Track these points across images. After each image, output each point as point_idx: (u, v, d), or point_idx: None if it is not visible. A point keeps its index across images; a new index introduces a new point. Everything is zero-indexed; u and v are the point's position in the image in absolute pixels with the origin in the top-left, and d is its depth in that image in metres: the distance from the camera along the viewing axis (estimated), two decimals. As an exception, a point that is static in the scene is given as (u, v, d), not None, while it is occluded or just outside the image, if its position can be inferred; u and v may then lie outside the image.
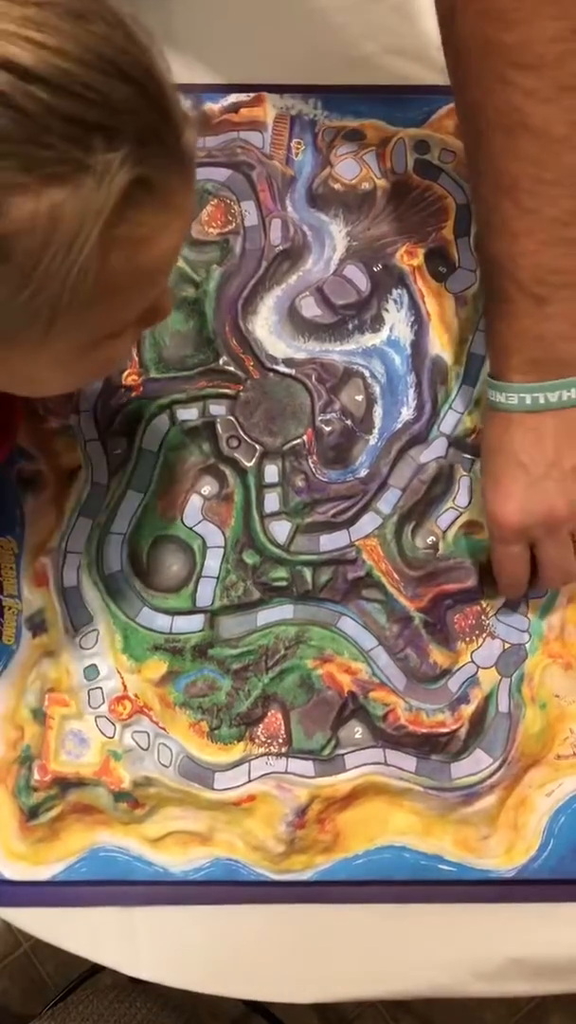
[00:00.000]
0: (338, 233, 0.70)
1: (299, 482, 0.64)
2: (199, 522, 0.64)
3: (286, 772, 0.61)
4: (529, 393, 0.57)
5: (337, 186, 0.70)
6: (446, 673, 0.63)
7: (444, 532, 0.65)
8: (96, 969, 1.00)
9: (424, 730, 0.61)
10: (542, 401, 0.57)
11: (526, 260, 0.56)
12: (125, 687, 0.61)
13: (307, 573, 0.63)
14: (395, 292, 0.68)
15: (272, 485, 0.64)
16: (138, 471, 0.64)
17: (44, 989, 1.20)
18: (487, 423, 0.61)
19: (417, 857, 0.61)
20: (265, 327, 0.68)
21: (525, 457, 0.58)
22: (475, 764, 0.61)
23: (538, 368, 0.57)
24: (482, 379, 0.66)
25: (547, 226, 0.55)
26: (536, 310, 0.56)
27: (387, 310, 0.68)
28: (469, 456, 0.66)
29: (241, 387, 0.66)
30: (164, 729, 0.61)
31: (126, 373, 0.66)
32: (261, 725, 0.62)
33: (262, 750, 0.61)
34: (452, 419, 0.66)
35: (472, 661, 0.63)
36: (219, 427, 0.65)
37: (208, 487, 0.65)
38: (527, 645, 0.64)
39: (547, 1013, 1.24)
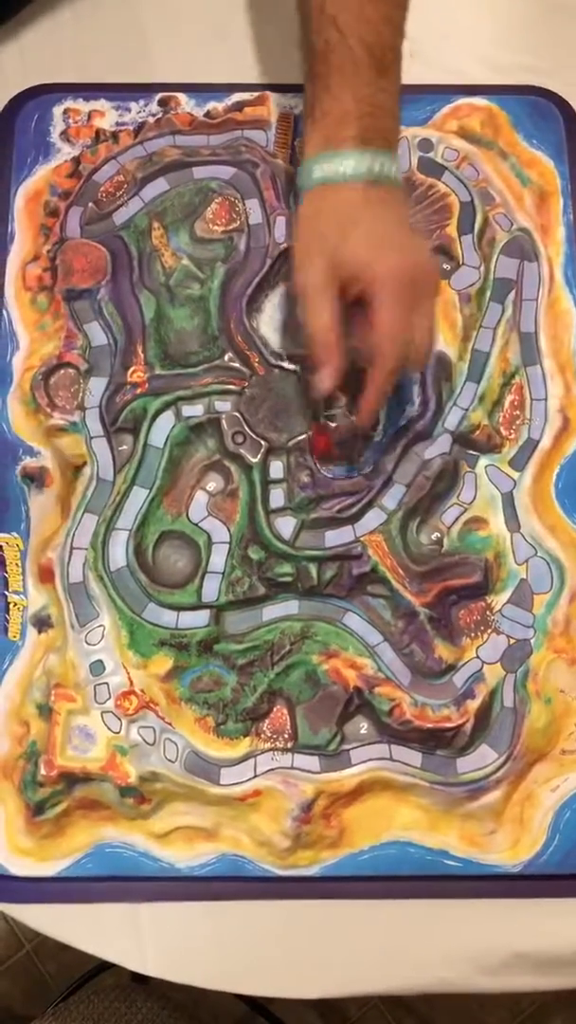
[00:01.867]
0: (342, 231, 0.70)
1: (304, 478, 0.64)
2: (204, 518, 0.65)
3: (292, 767, 0.61)
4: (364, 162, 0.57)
5: (341, 184, 0.70)
6: (451, 668, 0.63)
7: (449, 528, 0.66)
8: (98, 969, 1.00)
9: (429, 725, 0.61)
10: (377, 170, 0.57)
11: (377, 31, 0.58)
12: (131, 682, 0.61)
13: (312, 569, 0.63)
14: (399, 289, 0.69)
15: (277, 481, 0.65)
16: (143, 467, 0.64)
17: (46, 990, 1.20)
18: (315, 199, 0.58)
19: (423, 852, 0.61)
20: (270, 324, 0.68)
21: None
22: (481, 759, 0.61)
23: (366, 138, 0.57)
24: (488, 374, 0.67)
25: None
26: (377, 79, 0.58)
27: (391, 307, 0.69)
28: (473, 452, 0.67)
29: (246, 383, 0.66)
30: (170, 724, 0.61)
31: (131, 370, 0.66)
32: (267, 720, 0.62)
33: (268, 745, 0.61)
34: (456, 415, 0.66)
35: (477, 656, 0.63)
36: (224, 423, 0.65)
37: (213, 483, 0.66)
38: (532, 641, 0.64)
39: (549, 1016, 1.23)
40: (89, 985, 1.00)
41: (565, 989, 0.62)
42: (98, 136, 0.72)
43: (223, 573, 0.63)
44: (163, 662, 0.62)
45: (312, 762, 0.61)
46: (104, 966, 1.00)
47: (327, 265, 0.56)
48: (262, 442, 0.65)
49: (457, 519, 0.66)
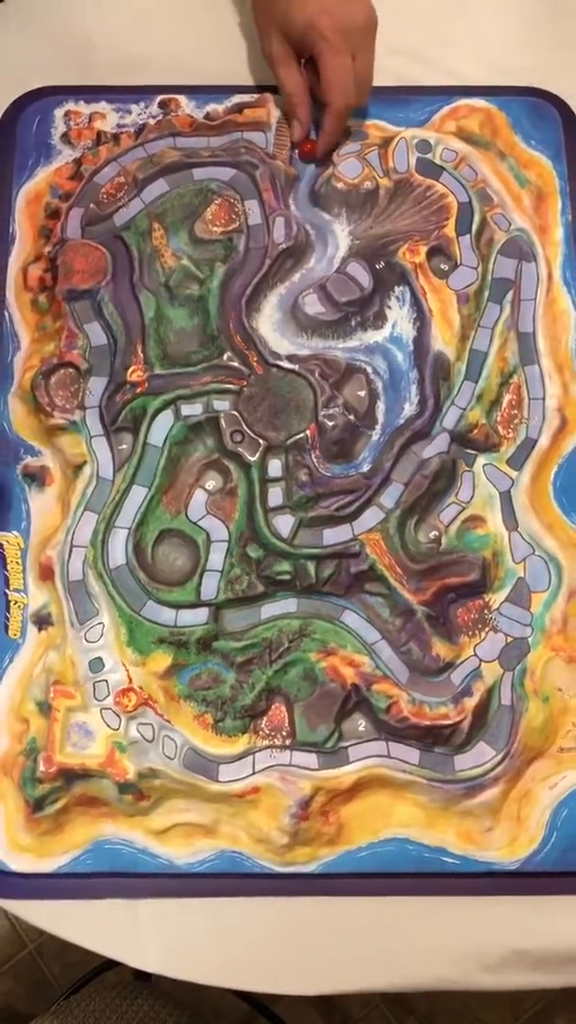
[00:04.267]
0: (341, 231, 0.71)
1: (302, 476, 0.65)
2: (203, 516, 0.65)
3: (290, 764, 0.61)
4: None
5: (340, 185, 0.71)
6: (449, 666, 0.63)
7: (447, 527, 0.66)
8: (102, 968, 1.00)
9: (427, 723, 0.61)
10: None
11: None
12: (130, 679, 0.61)
13: (310, 567, 0.63)
14: (397, 289, 0.69)
15: (276, 479, 0.65)
16: (143, 466, 0.65)
17: (49, 989, 1.20)
18: None
19: (421, 849, 0.61)
20: (268, 324, 0.68)
21: None
22: (478, 756, 0.62)
23: None
24: (485, 374, 0.67)
25: None
26: None
27: (389, 307, 0.69)
28: (471, 451, 0.67)
29: (245, 383, 0.66)
30: (169, 721, 0.61)
31: (131, 370, 0.66)
32: (265, 718, 0.62)
33: (266, 742, 0.61)
34: (454, 415, 0.67)
35: (475, 654, 0.63)
36: (223, 422, 0.65)
37: (212, 482, 0.66)
38: (529, 639, 0.64)
39: (552, 1016, 1.23)
40: (92, 983, 1.00)
41: (565, 987, 0.62)
42: (99, 138, 0.73)
43: (222, 571, 0.64)
44: (162, 659, 0.62)
45: (310, 759, 0.61)
46: (107, 964, 1.00)
47: (279, 34, 0.68)
48: (260, 441, 0.65)
49: (455, 518, 0.66)
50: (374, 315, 0.69)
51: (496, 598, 0.65)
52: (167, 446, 0.65)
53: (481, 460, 0.67)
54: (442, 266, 0.69)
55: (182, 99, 0.74)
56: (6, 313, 0.69)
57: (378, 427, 0.67)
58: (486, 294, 0.69)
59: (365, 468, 0.66)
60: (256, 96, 0.73)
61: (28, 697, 0.62)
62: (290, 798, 0.60)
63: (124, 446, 0.66)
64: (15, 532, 0.66)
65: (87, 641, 0.62)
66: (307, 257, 0.70)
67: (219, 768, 0.61)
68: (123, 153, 0.72)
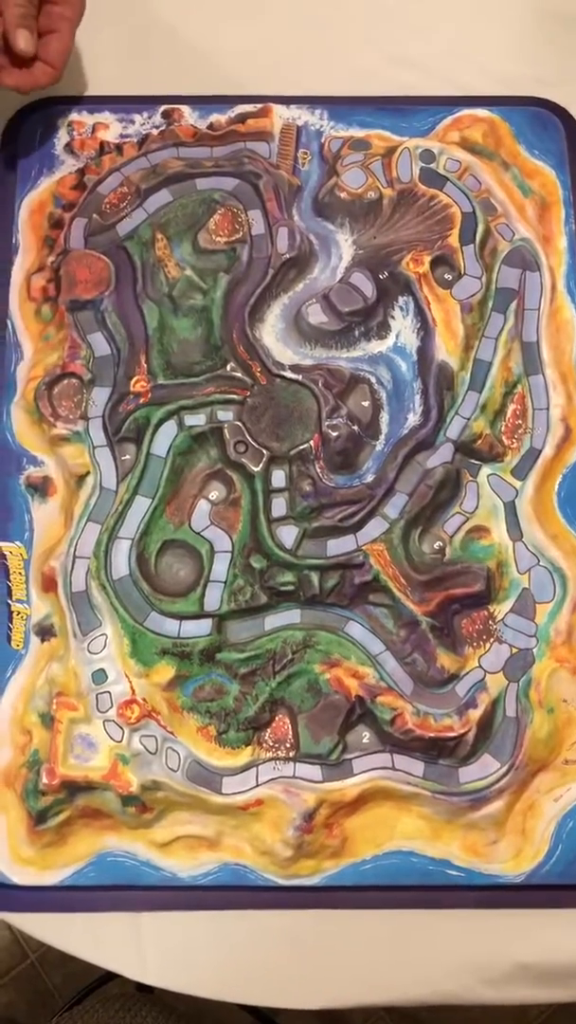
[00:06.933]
0: (344, 241, 0.71)
1: (306, 487, 0.64)
2: (207, 527, 0.65)
3: (294, 777, 0.61)
4: None
5: (343, 195, 0.71)
6: (454, 678, 0.63)
7: (451, 537, 0.66)
8: (104, 979, 1.00)
9: (432, 734, 0.61)
10: None
11: None
12: (133, 691, 0.61)
13: (314, 578, 0.63)
14: (401, 299, 0.69)
15: (279, 490, 0.65)
16: (146, 476, 0.65)
17: (51, 1001, 1.20)
18: None
19: (425, 862, 0.61)
20: (272, 334, 0.68)
21: None
22: (483, 769, 0.61)
23: None
24: (489, 384, 0.67)
25: None
26: None
27: (393, 317, 0.69)
28: (475, 462, 0.67)
29: (248, 393, 0.66)
30: (172, 733, 0.61)
31: (134, 380, 0.66)
32: (269, 729, 0.62)
33: (270, 754, 0.61)
34: (458, 425, 0.66)
35: (480, 666, 0.63)
36: (226, 432, 0.65)
37: (216, 492, 0.66)
38: (534, 650, 0.64)
39: (557, 1027, 1.22)
40: (94, 994, 1.00)
41: (568, 1002, 0.62)
42: (102, 148, 0.73)
43: (225, 582, 0.64)
44: (165, 671, 0.62)
45: (314, 771, 0.61)
46: (110, 976, 1.00)
47: None
48: (264, 451, 0.65)
49: (459, 528, 0.66)
50: (378, 325, 0.69)
51: (501, 609, 0.64)
52: (170, 456, 0.65)
53: (485, 470, 0.67)
54: (446, 276, 0.69)
55: (185, 109, 0.74)
56: (9, 323, 0.69)
57: (382, 437, 0.67)
58: (490, 304, 0.69)
59: (369, 478, 0.65)
60: (259, 106, 0.73)
61: (31, 709, 0.62)
62: (294, 810, 0.60)
63: (127, 456, 0.65)
64: (18, 542, 0.66)
65: (90, 652, 0.62)
66: (310, 267, 0.70)
67: (222, 780, 0.60)
68: (126, 163, 0.72)
